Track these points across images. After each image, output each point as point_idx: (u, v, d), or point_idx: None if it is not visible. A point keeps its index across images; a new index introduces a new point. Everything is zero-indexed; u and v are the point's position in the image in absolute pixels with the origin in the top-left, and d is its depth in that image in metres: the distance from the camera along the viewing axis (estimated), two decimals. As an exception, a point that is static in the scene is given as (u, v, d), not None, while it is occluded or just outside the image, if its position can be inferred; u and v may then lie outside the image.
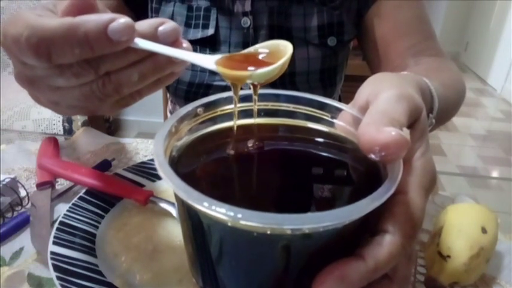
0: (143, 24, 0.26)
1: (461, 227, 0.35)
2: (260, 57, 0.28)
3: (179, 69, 0.29)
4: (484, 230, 0.35)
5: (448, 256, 0.34)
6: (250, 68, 0.26)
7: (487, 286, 0.36)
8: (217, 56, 0.27)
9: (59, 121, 1.40)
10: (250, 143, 0.28)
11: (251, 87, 0.27)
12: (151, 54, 0.27)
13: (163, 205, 0.40)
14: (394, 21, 0.58)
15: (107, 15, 0.24)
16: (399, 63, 0.57)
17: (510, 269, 0.38)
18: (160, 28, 0.27)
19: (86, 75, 0.26)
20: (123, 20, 0.24)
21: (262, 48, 0.29)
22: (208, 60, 0.27)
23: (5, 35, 0.25)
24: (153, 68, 0.28)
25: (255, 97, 0.28)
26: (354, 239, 0.21)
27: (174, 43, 0.27)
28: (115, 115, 2.21)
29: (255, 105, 0.28)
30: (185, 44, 0.28)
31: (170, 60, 0.27)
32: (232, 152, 0.28)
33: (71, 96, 0.28)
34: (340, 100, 0.75)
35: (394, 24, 0.58)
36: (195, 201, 0.18)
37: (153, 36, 0.26)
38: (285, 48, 0.28)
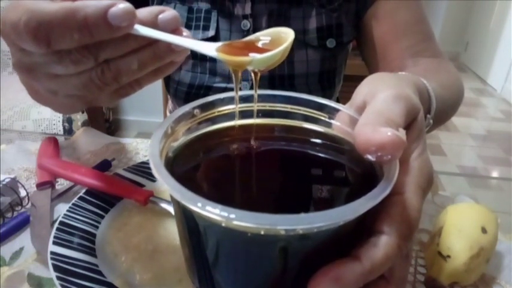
0: (143, 12, 0.26)
1: (461, 227, 0.35)
2: (260, 44, 0.28)
3: (179, 58, 0.29)
4: (484, 230, 0.35)
5: (448, 256, 0.34)
6: (251, 54, 0.26)
7: (487, 286, 0.36)
8: (217, 43, 0.27)
9: (59, 121, 1.40)
10: (247, 144, 0.28)
11: (252, 75, 0.27)
12: (151, 42, 0.27)
13: (164, 205, 0.40)
14: (392, 22, 0.58)
15: (106, 1, 0.24)
16: (397, 64, 0.57)
17: (510, 269, 0.38)
18: (161, 16, 0.26)
19: (85, 62, 0.26)
20: (123, 5, 0.24)
21: (263, 36, 0.29)
22: (209, 47, 0.27)
23: (4, 22, 0.25)
24: (153, 56, 0.27)
25: (255, 94, 0.28)
26: (349, 240, 0.21)
27: (174, 31, 0.27)
28: (115, 115, 2.21)
29: (255, 103, 0.28)
30: (185, 32, 0.27)
31: (170, 49, 0.27)
32: (228, 152, 0.28)
33: (70, 84, 0.28)
34: (338, 101, 0.75)
35: (392, 25, 0.58)
36: (189, 202, 0.18)
37: (153, 24, 0.26)
38: (286, 35, 0.28)
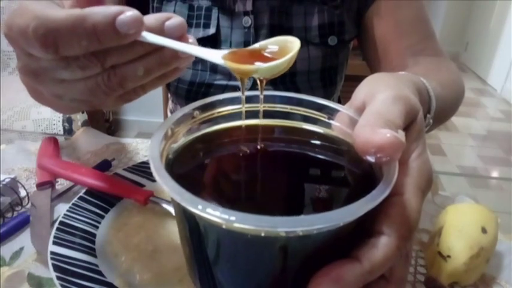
0: (150, 18, 0.26)
1: (461, 227, 0.35)
2: (267, 52, 0.28)
3: (184, 64, 0.29)
4: (484, 230, 0.35)
5: (448, 256, 0.34)
6: (257, 62, 0.26)
7: (487, 286, 0.36)
8: (224, 51, 0.27)
9: (59, 121, 1.40)
10: (247, 145, 0.28)
11: (258, 82, 0.27)
12: (157, 49, 0.27)
13: (164, 205, 0.40)
14: (393, 20, 0.58)
15: (115, 8, 0.24)
16: (399, 63, 0.57)
17: (510, 269, 0.38)
18: (167, 22, 0.26)
19: (91, 68, 0.26)
20: (131, 12, 0.24)
21: (270, 44, 0.29)
22: (215, 55, 0.27)
23: (11, 26, 0.25)
24: (159, 63, 0.27)
25: (261, 96, 0.28)
26: (349, 241, 0.21)
27: (180, 38, 0.27)
28: (115, 115, 2.21)
29: (261, 105, 0.28)
30: (191, 39, 0.28)
31: (176, 55, 0.27)
32: (229, 153, 0.28)
33: (76, 89, 0.28)
34: (339, 100, 0.75)
35: (393, 23, 0.58)
36: (189, 204, 0.18)
37: (159, 30, 0.26)
38: (292, 44, 0.28)
